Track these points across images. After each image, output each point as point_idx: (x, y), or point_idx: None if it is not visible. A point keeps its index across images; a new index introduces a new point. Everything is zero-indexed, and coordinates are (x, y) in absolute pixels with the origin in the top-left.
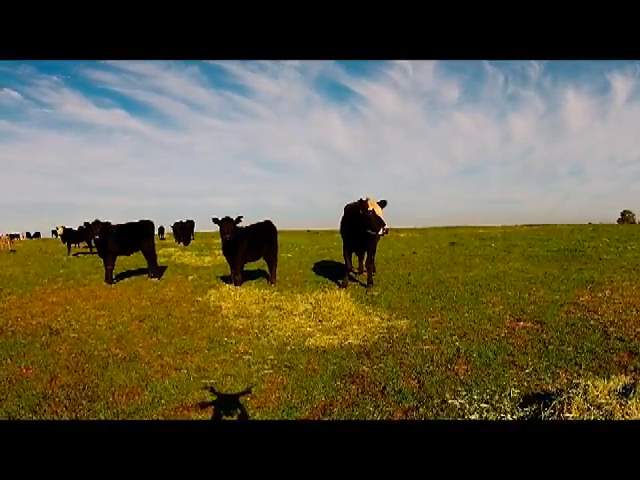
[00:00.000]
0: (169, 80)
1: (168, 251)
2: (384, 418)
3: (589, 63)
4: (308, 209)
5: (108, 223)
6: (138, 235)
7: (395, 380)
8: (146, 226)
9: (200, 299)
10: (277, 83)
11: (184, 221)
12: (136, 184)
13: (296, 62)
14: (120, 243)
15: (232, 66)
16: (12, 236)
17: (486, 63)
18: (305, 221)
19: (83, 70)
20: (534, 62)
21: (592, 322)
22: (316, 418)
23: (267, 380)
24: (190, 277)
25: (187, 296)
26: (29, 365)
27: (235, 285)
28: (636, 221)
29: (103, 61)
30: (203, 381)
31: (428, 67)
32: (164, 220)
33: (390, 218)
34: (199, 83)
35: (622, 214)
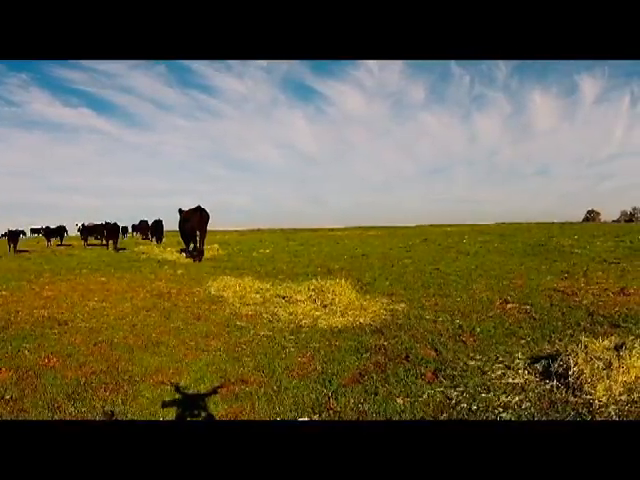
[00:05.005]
0: (136, 79)
1: (147, 248)
2: (416, 379)
3: (557, 64)
4: (274, 209)
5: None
6: None
7: (414, 350)
8: None
9: (198, 290)
10: (243, 83)
11: (154, 220)
12: (103, 183)
13: (263, 62)
14: None
15: (199, 66)
16: None
17: (452, 64)
18: (269, 220)
19: (52, 69)
20: (501, 63)
21: (573, 303)
22: (355, 382)
23: (297, 355)
24: (179, 271)
25: (184, 288)
26: (50, 355)
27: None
28: (601, 220)
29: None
30: (237, 359)
31: (394, 67)
32: (132, 219)
33: (357, 217)
34: (166, 82)
35: (588, 213)
